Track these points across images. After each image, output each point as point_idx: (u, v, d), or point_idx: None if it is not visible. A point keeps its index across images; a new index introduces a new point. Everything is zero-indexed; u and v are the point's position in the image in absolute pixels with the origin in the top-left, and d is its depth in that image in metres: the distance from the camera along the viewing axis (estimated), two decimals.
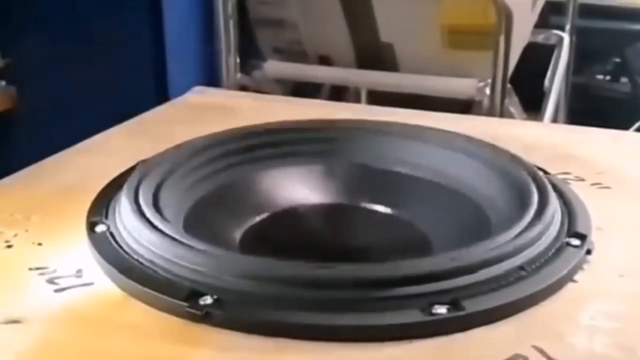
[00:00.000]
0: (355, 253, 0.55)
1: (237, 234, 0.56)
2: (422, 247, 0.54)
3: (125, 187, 0.52)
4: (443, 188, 0.58)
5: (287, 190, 0.60)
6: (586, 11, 1.60)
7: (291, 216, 0.59)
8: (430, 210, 0.57)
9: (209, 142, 0.61)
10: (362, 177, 0.61)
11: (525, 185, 0.53)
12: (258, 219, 0.58)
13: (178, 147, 0.60)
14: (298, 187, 0.60)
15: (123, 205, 0.50)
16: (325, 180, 0.61)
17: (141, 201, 0.50)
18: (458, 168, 0.59)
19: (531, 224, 0.48)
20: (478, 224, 0.53)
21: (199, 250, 0.44)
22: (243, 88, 1.23)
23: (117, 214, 0.50)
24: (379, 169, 0.61)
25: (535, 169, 0.58)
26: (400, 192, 0.60)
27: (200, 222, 0.53)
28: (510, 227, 0.47)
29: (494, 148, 0.60)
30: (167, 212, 0.51)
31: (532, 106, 1.34)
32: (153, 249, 0.45)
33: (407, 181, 0.60)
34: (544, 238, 0.47)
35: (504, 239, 0.46)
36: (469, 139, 0.62)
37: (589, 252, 0.48)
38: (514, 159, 0.59)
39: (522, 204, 0.51)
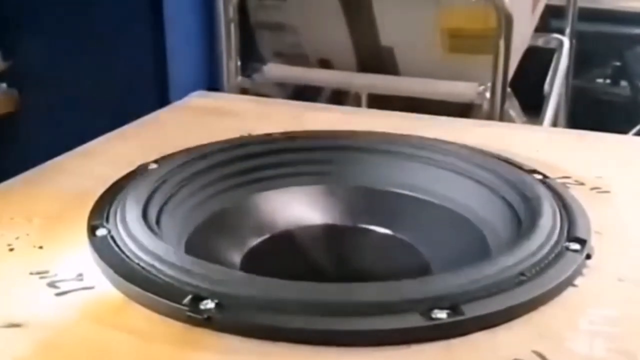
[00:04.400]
0: (355, 275, 0.55)
1: (238, 256, 0.56)
2: (421, 270, 0.54)
3: (126, 191, 0.52)
4: (442, 208, 0.59)
5: (287, 212, 0.60)
6: (586, 15, 1.60)
7: (291, 238, 0.59)
8: (429, 231, 0.58)
9: (210, 149, 0.61)
10: (362, 199, 0.62)
11: (526, 190, 0.54)
12: (258, 240, 0.58)
13: (180, 151, 0.61)
14: (298, 209, 0.60)
15: (124, 209, 0.50)
16: (325, 201, 0.61)
17: (142, 205, 0.50)
18: (458, 187, 0.59)
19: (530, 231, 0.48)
20: (478, 248, 0.53)
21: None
22: (244, 91, 1.23)
23: (118, 218, 0.50)
24: (378, 190, 0.62)
25: (534, 173, 0.58)
26: (400, 213, 0.60)
27: (201, 245, 0.54)
28: (511, 248, 0.47)
29: (490, 156, 0.61)
30: (167, 220, 0.51)
31: (532, 110, 1.34)
32: (154, 252, 0.45)
33: (406, 202, 0.61)
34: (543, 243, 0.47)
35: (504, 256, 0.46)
36: (466, 149, 0.62)
37: (588, 256, 0.48)
38: (514, 165, 0.59)
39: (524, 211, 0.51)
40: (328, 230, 0.60)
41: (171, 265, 0.44)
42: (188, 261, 0.44)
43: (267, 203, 0.60)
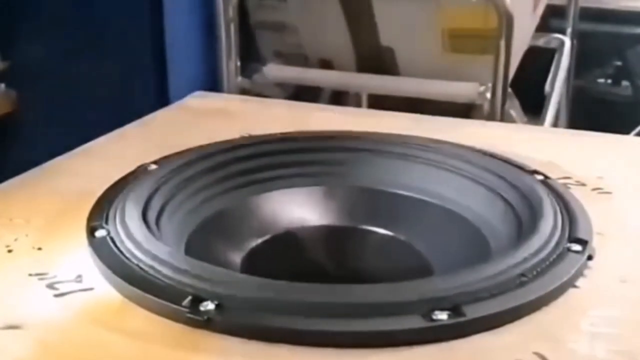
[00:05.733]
0: (355, 276, 0.55)
1: (238, 257, 0.56)
2: (422, 270, 0.54)
3: (126, 192, 0.52)
4: (442, 209, 0.59)
5: (287, 213, 0.60)
6: (587, 15, 1.59)
7: (291, 239, 0.59)
8: (430, 232, 0.58)
9: (210, 150, 0.61)
10: (362, 199, 0.61)
11: (527, 191, 0.53)
12: (259, 241, 0.58)
13: (180, 152, 0.60)
14: (298, 210, 0.60)
15: (124, 210, 0.50)
16: (325, 202, 0.61)
17: (142, 206, 0.50)
18: (458, 188, 0.59)
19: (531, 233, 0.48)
20: (479, 249, 0.53)
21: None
22: (244, 91, 1.23)
23: (117, 219, 0.50)
24: (379, 191, 0.61)
25: (535, 174, 0.58)
26: (400, 214, 0.60)
27: (201, 246, 0.54)
28: (511, 250, 0.47)
29: (490, 156, 0.61)
30: (167, 221, 0.51)
31: (533, 110, 1.34)
32: (153, 253, 0.45)
33: (406, 203, 0.60)
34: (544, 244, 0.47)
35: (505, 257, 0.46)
36: (466, 150, 0.62)
37: (590, 257, 0.48)
38: (515, 166, 0.59)
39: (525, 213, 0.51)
40: (328, 231, 0.60)
41: (171, 266, 0.44)
42: (188, 262, 0.44)
43: (267, 204, 0.60)
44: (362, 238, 0.60)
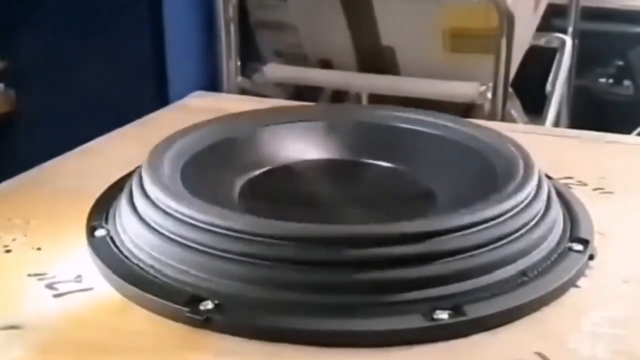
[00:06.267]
0: (355, 206, 0.55)
1: (236, 188, 0.55)
2: (426, 201, 0.53)
3: (125, 191, 0.52)
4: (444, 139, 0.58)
5: (287, 146, 0.60)
6: (589, 14, 1.59)
7: (291, 172, 0.58)
8: (434, 164, 0.57)
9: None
10: (365, 133, 0.61)
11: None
12: (257, 172, 0.57)
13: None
14: (299, 144, 0.60)
15: (123, 209, 0.50)
16: (326, 136, 0.61)
17: (141, 205, 0.50)
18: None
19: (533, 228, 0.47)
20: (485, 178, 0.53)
21: (200, 255, 0.44)
22: (243, 91, 1.23)
23: (117, 218, 0.50)
24: (382, 125, 0.61)
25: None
26: (401, 147, 0.59)
27: (198, 175, 0.53)
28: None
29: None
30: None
31: (534, 110, 1.34)
32: (153, 253, 0.45)
33: (409, 135, 0.60)
34: (545, 243, 0.47)
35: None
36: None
37: (591, 257, 0.48)
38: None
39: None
40: (331, 165, 0.60)
41: (170, 266, 0.44)
42: (188, 261, 0.44)
43: (268, 137, 0.60)
44: (363, 170, 0.59)
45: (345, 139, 0.61)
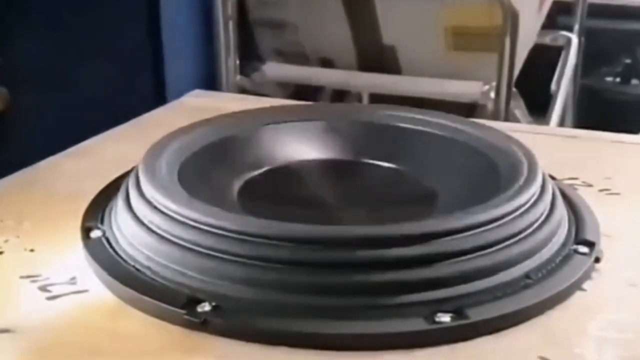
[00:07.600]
0: (356, 207, 0.54)
1: (235, 188, 0.55)
2: (428, 202, 0.53)
3: (121, 192, 0.51)
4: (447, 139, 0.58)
5: (287, 146, 0.59)
6: (595, 11, 1.58)
7: (290, 172, 0.58)
8: (436, 164, 0.57)
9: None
10: (364, 133, 0.60)
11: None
12: (256, 172, 0.57)
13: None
14: (298, 144, 0.60)
15: (119, 210, 0.49)
16: (326, 136, 0.60)
17: (138, 205, 0.49)
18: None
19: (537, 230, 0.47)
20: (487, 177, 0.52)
21: (197, 256, 0.43)
22: (243, 90, 1.23)
23: (113, 219, 0.50)
24: (383, 125, 0.61)
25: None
26: (403, 147, 0.59)
27: (196, 175, 0.53)
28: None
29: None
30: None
31: (538, 110, 1.34)
32: (150, 254, 0.45)
33: (410, 135, 0.59)
34: (550, 245, 0.47)
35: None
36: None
37: (597, 260, 0.47)
38: None
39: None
40: (328, 164, 0.59)
41: (167, 267, 0.44)
42: (185, 263, 0.43)
43: (267, 137, 0.59)
44: (364, 171, 0.59)
45: (346, 139, 0.60)
